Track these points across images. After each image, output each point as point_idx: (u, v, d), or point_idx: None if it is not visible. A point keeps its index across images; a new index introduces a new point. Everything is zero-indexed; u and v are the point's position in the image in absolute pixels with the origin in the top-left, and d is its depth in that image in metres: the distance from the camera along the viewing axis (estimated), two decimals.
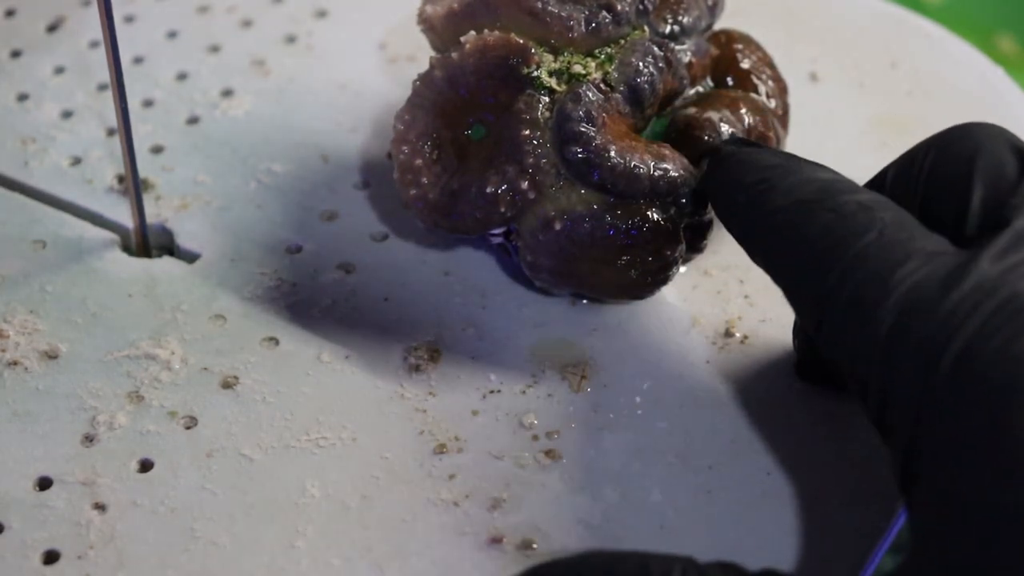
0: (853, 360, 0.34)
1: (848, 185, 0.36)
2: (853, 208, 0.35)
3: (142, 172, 0.48)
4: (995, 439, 0.30)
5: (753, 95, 0.45)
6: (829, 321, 0.34)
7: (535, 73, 0.41)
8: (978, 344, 0.31)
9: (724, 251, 0.46)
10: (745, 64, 0.45)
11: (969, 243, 0.34)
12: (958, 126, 0.37)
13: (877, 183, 0.38)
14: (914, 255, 0.33)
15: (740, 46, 0.46)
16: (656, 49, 0.42)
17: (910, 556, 0.31)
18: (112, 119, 0.46)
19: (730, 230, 0.39)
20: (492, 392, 0.42)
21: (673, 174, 0.40)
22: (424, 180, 0.42)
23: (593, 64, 0.41)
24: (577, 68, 0.41)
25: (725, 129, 0.42)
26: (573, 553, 0.35)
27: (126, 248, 0.47)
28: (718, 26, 0.46)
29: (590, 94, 0.41)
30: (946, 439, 0.31)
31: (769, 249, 0.37)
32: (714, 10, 0.45)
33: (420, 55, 0.54)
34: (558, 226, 0.41)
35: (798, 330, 0.42)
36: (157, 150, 0.51)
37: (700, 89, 0.45)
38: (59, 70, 0.54)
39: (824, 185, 0.36)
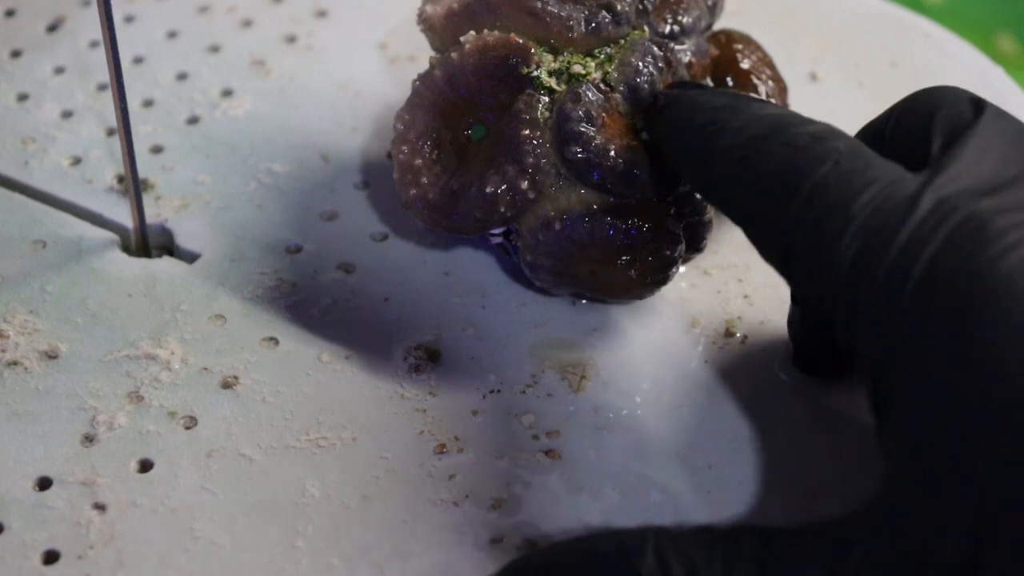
0: (820, 291, 0.34)
1: (798, 118, 0.36)
2: (806, 140, 0.35)
3: (142, 172, 0.48)
4: (960, 350, 0.30)
5: (753, 95, 0.45)
6: (793, 255, 0.34)
7: (535, 73, 0.41)
8: (940, 263, 0.31)
9: (724, 251, 0.46)
10: (745, 64, 0.45)
11: None
12: (922, 89, 0.38)
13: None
14: (873, 182, 0.34)
15: (740, 46, 0.46)
16: (656, 49, 0.42)
17: (882, 483, 0.32)
18: (112, 119, 0.46)
19: (684, 174, 0.39)
20: (492, 392, 0.42)
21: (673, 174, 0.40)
22: (424, 180, 0.42)
23: (593, 64, 0.41)
24: (577, 68, 0.41)
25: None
26: (547, 544, 0.35)
27: (126, 248, 0.47)
28: (718, 26, 0.46)
29: (590, 94, 0.41)
30: (914, 358, 0.31)
31: (726, 189, 0.37)
32: (714, 10, 0.45)
33: (420, 55, 0.54)
34: (558, 226, 0.41)
35: (793, 319, 0.42)
36: (157, 150, 0.51)
37: None
38: (59, 70, 0.54)
39: (774, 120, 0.36)
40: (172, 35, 0.56)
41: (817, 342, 0.41)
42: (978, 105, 0.36)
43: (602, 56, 0.42)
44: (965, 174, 0.33)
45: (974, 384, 0.30)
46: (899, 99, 0.38)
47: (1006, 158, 0.34)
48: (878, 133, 0.38)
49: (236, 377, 0.42)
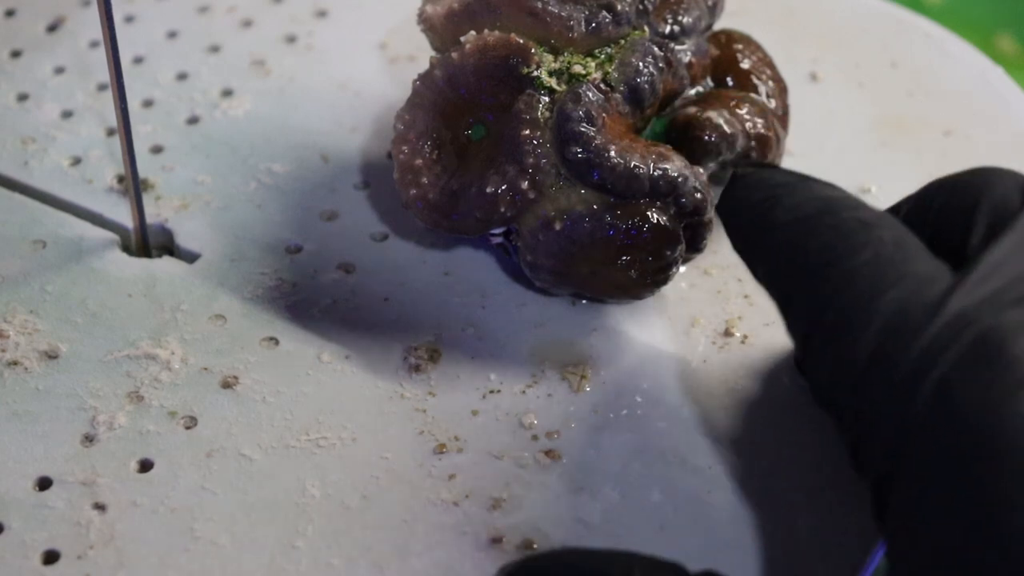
0: (832, 383, 0.33)
1: (853, 202, 0.36)
2: (853, 225, 0.34)
3: (142, 172, 0.48)
4: (967, 487, 0.29)
5: (753, 95, 0.45)
6: (812, 340, 0.34)
7: (535, 73, 0.41)
8: (953, 385, 0.30)
9: (724, 251, 0.46)
10: (745, 64, 0.45)
11: None
12: (973, 169, 0.37)
13: (892, 210, 0.38)
14: (906, 278, 0.33)
15: (740, 46, 0.46)
16: (656, 49, 0.42)
17: None
18: (112, 119, 0.46)
19: (736, 249, 0.38)
20: (492, 392, 0.42)
21: (673, 174, 0.40)
22: (424, 180, 0.42)
23: (593, 64, 0.41)
24: (577, 68, 0.41)
25: (727, 129, 0.42)
26: (546, 551, 0.35)
27: (126, 248, 0.47)
28: (718, 26, 0.46)
29: (590, 94, 0.41)
30: (918, 478, 0.30)
31: (768, 265, 0.36)
32: (714, 10, 0.45)
33: (420, 55, 0.54)
34: (558, 226, 0.41)
35: None
36: (157, 150, 0.51)
37: (700, 89, 0.45)
38: (59, 70, 0.54)
39: (828, 202, 0.36)
40: (172, 35, 0.56)
41: (803, 373, 0.41)
42: None
43: (602, 56, 0.42)
44: (996, 277, 0.32)
45: (973, 522, 0.29)
46: (950, 172, 0.37)
47: None
48: (922, 209, 0.37)
49: (236, 377, 0.42)
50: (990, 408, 0.29)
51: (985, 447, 0.29)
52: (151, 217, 0.47)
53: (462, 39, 0.42)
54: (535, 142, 0.41)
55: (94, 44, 0.55)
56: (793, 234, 0.35)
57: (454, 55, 0.42)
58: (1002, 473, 0.29)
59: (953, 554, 0.29)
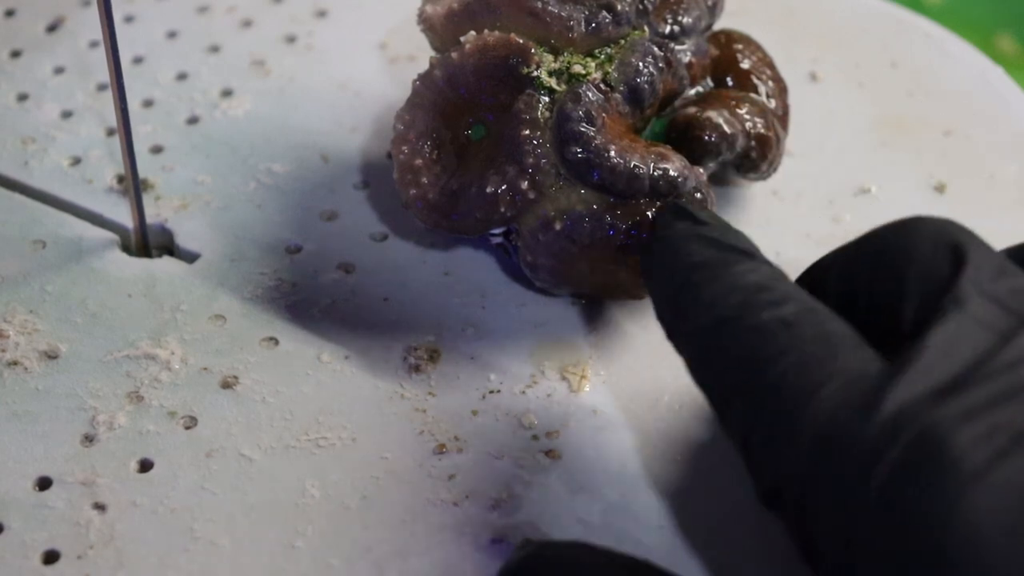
0: (774, 490, 0.32)
1: (773, 294, 0.34)
2: (774, 327, 0.33)
3: (142, 172, 0.48)
4: None
5: (753, 95, 0.45)
6: (749, 449, 0.32)
7: (535, 73, 0.41)
8: (896, 490, 0.29)
9: None
10: (745, 64, 0.45)
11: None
12: (895, 225, 0.35)
13: (819, 275, 0.36)
14: (833, 377, 0.31)
15: (740, 46, 0.46)
16: (656, 49, 0.42)
17: None
18: (112, 119, 0.46)
19: (668, 339, 0.37)
20: (492, 392, 0.42)
21: (673, 174, 0.40)
22: (424, 180, 0.42)
23: (593, 64, 0.41)
24: (577, 68, 0.41)
25: (727, 129, 0.42)
26: (548, 543, 0.34)
27: (126, 248, 0.47)
28: (718, 26, 0.46)
29: (590, 94, 0.41)
30: None
31: (695, 370, 0.35)
32: (714, 10, 0.45)
33: (420, 55, 0.54)
34: (558, 226, 0.41)
35: None
36: (157, 150, 0.51)
37: (700, 89, 0.45)
38: (59, 70, 0.54)
39: (746, 297, 0.34)
40: (172, 35, 0.56)
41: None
42: (957, 256, 0.33)
43: (602, 56, 0.42)
44: (932, 366, 0.30)
45: None
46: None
47: (986, 332, 0.31)
48: (848, 276, 0.35)
49: (236, 377, 0.42)
50: (936, 512, 0.28)
51: (934, 554, 0.28)
52: (151, 217, 0.47)
53: (462, 39, 0.42)
54: (535, 142, 0.41)
55: (94, 44, 0.55)
56: (713, 338, 0.34)
57: (454, 55, 0.42)
58: None
59: None
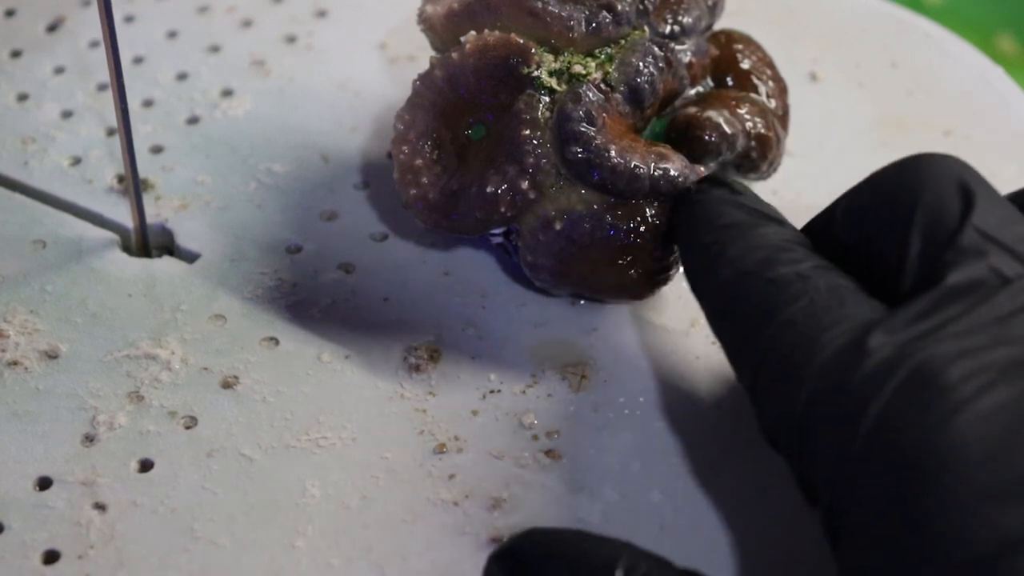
0: (777, 425, 0.34)
1: (795, 254, 0.36)
2: (790, 278, 0.35)
3: (142, 172, 0.48)
4: (908, 514, 0.30)
5: (753, 95, 0.45)
6: (757, 387, 0.34)
7: (535, 73, 0.41)
8: (891, 416, 0.31)
9: None
10: (745, 64, 0.45)
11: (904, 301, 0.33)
12: (906, 161, 0.36)
13: (826, 217, 0.38)
14: (841, 321, 0.33)
15: (740, 46, 0.46)
16: (656, 49, 0.42)
17: None
18: (112, 119, 0.46)
19: (692, 291, 0.39)
20: (492, 392, 0.42)
21: (673, 174, 0.40)
22: (424, 180, 0.42)
23: (593, 64, 0.41)
24: (577, 68, 0.41)
25: (727, 129, 0.42)
26: (534, 531, 0.35)
27: (126, 248, 0.47)
28: (718, 26, 0.46)
29: (590, 94, 0.41)
30: (866, 517, 0.31)
31: (715, 320, 0.37)
32: (714, 10, 0.45)
33: (420, 55, 0.54)
34: (558, 226, 0.41)
35: None
36: (157, 150, 0.51)
37: (700, 89, 0.45)
38: (59, 70, 0.54)
39: (769, 253, 0.36)
40: (172, 35, 0.56)
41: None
42: (965, 198, 0.34)
43: (602, 56, 0.42)
44: (925, 316, 0.32)
45: (917, 552, 0.30)
46: (880, 167, 0.37)
47: (988, 274, 0.33)
48: (855, 217, 0.37)
49: (236, 377, 0.42)
50: (927, 435, 0.30)
51: (923, 473, 0.30)
52: (151, 217, 0.47)
53: (462, 39, 0.42)
54: (535, 142, 0.41)
55: (94, 44, 0.55)
56: (734, 291, 0.36)
57: (454, 55, 0.42)
58: (938, 497, 0.29)
59: (894, 567, 0.30)
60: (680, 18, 0.43)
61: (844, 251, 0.37)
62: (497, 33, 0.42)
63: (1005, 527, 0.29)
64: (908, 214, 0.35)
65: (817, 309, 0.34)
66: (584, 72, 0.41)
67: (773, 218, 0.38)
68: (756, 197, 0.39)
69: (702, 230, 0.38)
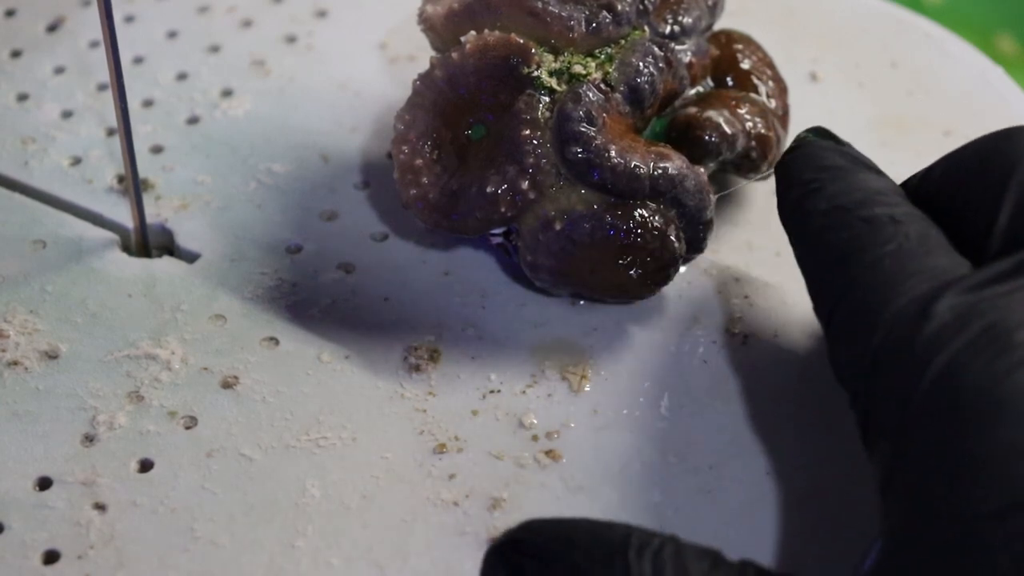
0: (849, 362, 0.35)
1: (891, 198, 0.37)
2: (884, 220, 0.36)
3: (142, 172, 0.48)
4: (963, 459, 0.31)
5: (753, 95, 0.45)
6: (834, 323, 0.35)
7: (535, 73, 0.41)
8: (955, 369, 0.32)
9: (724, 251, 0.46)
10: (745, 64, 0.45)
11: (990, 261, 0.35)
12: (1005, 130, 0.38)
13: (924, 175, 0.39)
14: (925, 270, 0.34)
15: (740, 46, 0.46)
16: (656, 49, 0.42)
17: (880, 559, 0.32)
18: (112, 119, 0.46)
19: (781, 220, 0.40)
20: (492, 392, 0.42)
21: (673, 174, 0.40)
22: (424, 180, 0.42)
23: (593, 64, 0.41)
24: (577, 68, 0.41)
25: (727, 129, 0.42)
26: (536, 521, 0.35)
27: (126, 248, 0.47)
28: (718, 26, 0.46)
29: (590, 94, 0.41)
30: (921, 455, 0.32)
31: (803, 247, 0.38)
32: (714, 10, 0.45)
33: (420, 55, 0.54)
34: (558, 226, 0.41)
35: None
36: (157, 150, 0.51)
37: (700, 89, 0.45)
38: (59, 70, 0.54)
39: (867, 195, 0.37)
40: (172, 35, 0.56)
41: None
42: None
43: (602, 56, 0.42)
44: (1008, 277, 0.33)
45: (966, 493, 0.31)
46: (979, 136, 0.38)
47: None
48: (952, 178, 0.38)
49: (236, 377, 0.42)
50: (990, 383, 0.31)
51: (980, 419, 0.31)
52: (151, 217, 0.47)
53: (462, 39, 0.42)
54: (535, 142, 0.41)
55: (94, 44, 0.55)
56: (828, 223, 0.37)
57: (454, 55, 0.42)
58: (992, 442, 0.30)
59: (949, 527, 0.31)
60: (680, 18, 0.43)
61: (938, 211, 0.37)
62: (497, 33, 0.42)
63: None
64: (1003, 181, 0.36)
65: (904, 254, 0.35)
66: (584, 72, 0.41)
67: (873, 168, 0.39)
68: (860, 153, 0.40)
69: (805, 168, 0.39)
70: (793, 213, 0.39)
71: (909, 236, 0.35)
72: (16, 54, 0.55)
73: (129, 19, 0.57)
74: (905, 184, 0.39)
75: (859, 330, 0.34)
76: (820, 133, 0.41)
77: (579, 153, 0.40)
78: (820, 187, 0.38)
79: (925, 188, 0.39)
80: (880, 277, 0.35)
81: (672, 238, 0.41)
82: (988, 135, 0.38)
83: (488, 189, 0.41)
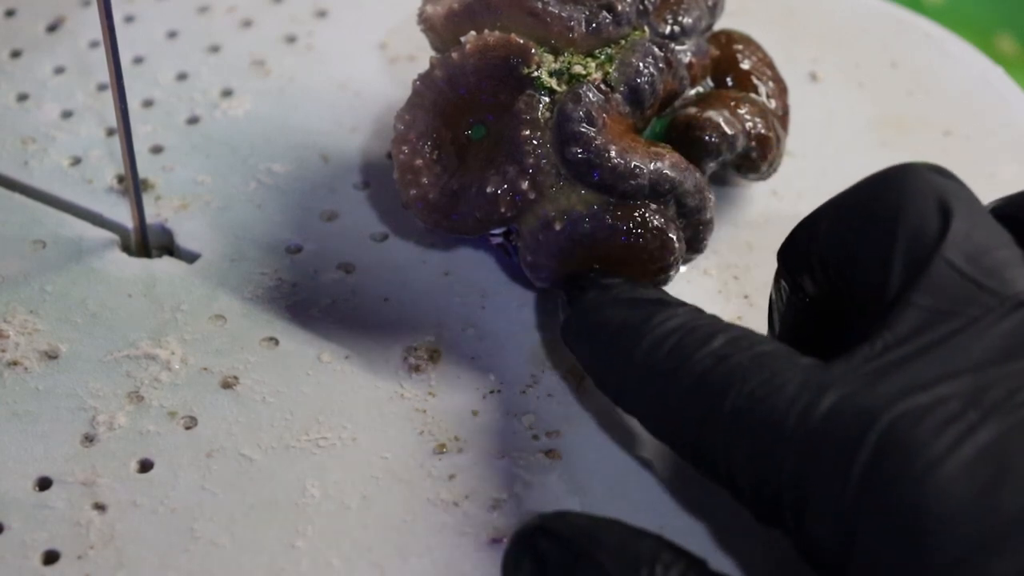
0: (769, 512, 0.33)
1: (700, 332, 0.35)
2: (710, 364, 0.34)
3: (142, 172, 0.48)
4: (909, 569, 0.30)
5: (753, 96, 0.45)
6: (738, 484, 0.34)
7: (535, 73, 0.41)
8: (871, 480, 0.31)
9: (724, 251, 0.46)
10: (745, 65, 0.45)
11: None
12: (886, 176, 0.36)
13: (810, 227, 0.38)
14: (781, 399, 0.32)
15: (740, 47, 0.46)
16: (656, 49, 0.42)
17: None
18: (112, 119, 0.46)
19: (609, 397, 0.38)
20: (492, 392, 0.42)
21: (673, 174, 0.40)
22: (424, 180, 0.42)
23: (593, 64, 0.41)
24: (577, 68, 0.41)
25: (727, 129, 0.42)
26: (599, 516, 0.34)
27: (126, 248, 0.47)
28: (718, 26, 0.46)
29: (590, 94, 0.41)
30: (864, 571, 0.31)
31: (652, 427, 0.36)
32: (714, 10, 0.45)
33: (420, 55, 0.54)
34: (558, 226, 0.41)
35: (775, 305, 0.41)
36: (157, 150, 0.51)
37: (700, 89, 0.45)
38: (59, 70, 0.54)
39: (675, 344, 0.35)
40: (172, 35, 0.56)
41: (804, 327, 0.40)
42: (944, 212, 0.34)
43: (603, 56, 0.42)
44: (896, 351, 0.32)
45: None
46: (865, 177, 0.37)
47: (959, 303, 0.33)
48: (838, 233, 0.36)
49: (236, 377, 0.42)
50: (910, 494, 0.30)
51: (913, 530, 0.30)
52: (151, 217, 0.47)
53: (462, 39, 0.42)
54: (535, 142, 0.41)
55: (94, 44, 0.55)
56: (658, 393, 0.35)
57: (454, 55, 0.42)
58: (929, 551, 0.30)
59: None
60: (680, 18, 0.43)
61: (828, 267, 0.36)
62: (497, 33, 0.42)
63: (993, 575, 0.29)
64: (889, 236, 0.35)
65: (753, 388, 0.33)
66: (584, 72, 0.41)
67: (656, 301, 0.37)
68: (627, 282, 0.39)
69: (595, 341, 0.38)
70: (621, 398, 0.37)
71: (744, 368, 0.33)
72: (16, 54, 0.55)
73: (129, 19, 0.57)
74: (792, 238, 0.38)
75: (764, 478, 0.32)
76: (582, 286, 0.39)
77: (579, 153, 0.40)
78: (627, 357, 0.36)
79: (812, 246, 0.37)
80: (750, 421, 0.33)
81: (672, 238, 0.41)
82: (866, 179, 0.36)
83: (488, 189, 0.41)
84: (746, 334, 0.35)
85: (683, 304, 0.37)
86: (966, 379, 0.31)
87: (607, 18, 0.42)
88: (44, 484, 0.40)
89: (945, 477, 0.30)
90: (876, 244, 0.35)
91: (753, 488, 0.33)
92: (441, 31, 0.44)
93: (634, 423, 0.41)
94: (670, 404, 0.35)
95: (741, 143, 0.43)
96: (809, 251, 0.37)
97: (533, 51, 0.41)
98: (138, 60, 0.55)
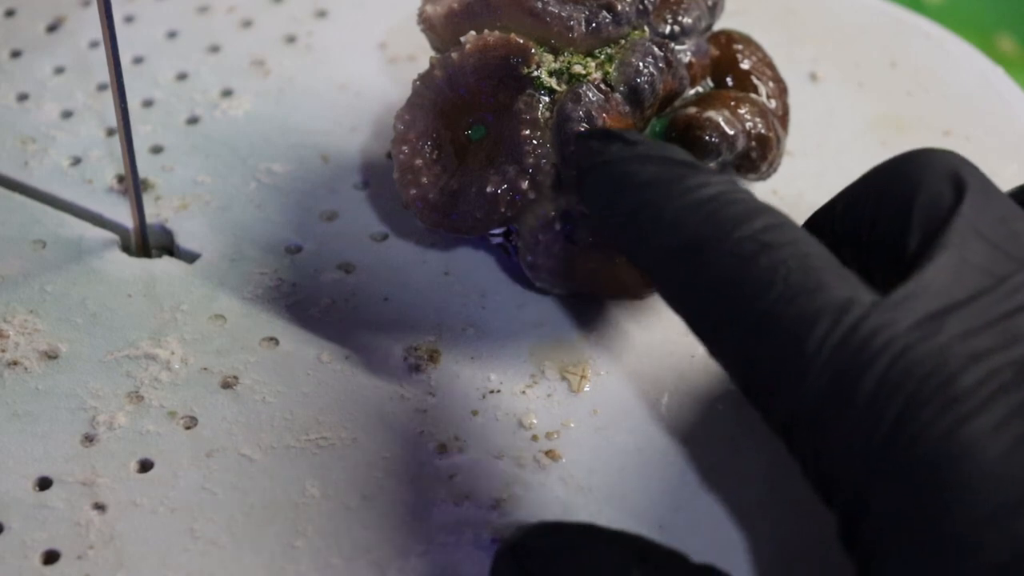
0: (785, 426, 0.32)
1: (738, 208, 0.33)
2: (753, 249, 0.32)
3: (142, 172, 0.48)
4: (925, 522, 0.29)
5: (753, 96, 0.45)
6: (751, 392, 0.33)
7: (535, 73, 0.41)
8: (904, 423, 0.30)
9: None
10: (745, 65, 0.45)
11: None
12: (906, 156, 0.36)
13: (828, 212, 0.37)
14: (824, 312, 0.31)
15: (740, 47, 0.46)
16: (656, 49, 0.42)
17: None
18: (112, 119, 0.46)
19: (621, 250, 0.36)
20: (492, 392, 0.42)
21: None
22: (424, 180, 0.42)
23: (593, 64, 0.41)
24: (577, 68, 0.41)
25: (727, 129, 0.42)
26: (575, 522, 0.34)
27: (126, 248, 0.47)
28: (718, 26, 0.46)
29: (590, 94, 0.41)
30: (882, 515, 0.30)
31: (669, 295, 0.34)
32: (714, 10, 0.45)
33: (420, 55, 0.54)
34: (558, 226, 0.41)
35: None
36: (157, 150, 0.51)
37: (700, 89, 0.45)
38: (59, 70, 0.54)
39: (713, 212, 0.33)
40: (172, 35, 0.56)
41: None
42: (958, 185, 0.34)
43: (602, 56, 0.42)
44: (936, 296, 0.31)
45: (935, 555, 0.29)
46: (878, 163, 0.36)
47: (987, 262, 0.32)
48: (855, 214, 0.36)
49: (236, 377, 0.42)
50: (941, 443, 0.29)
51: (940, 480, 0.29)
52: (151, 217, 0.47)
53: (462, 39, 0.42)
54: (535, 142, 0.41)
55: (94, 44, 0.55)
56: (687, 262, 0.33)
57: (454, 55, 0.42)
58: (954, 504, 0.29)
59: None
60: (680, 18, 0.43)
61: (845, 245, 0.36)
62: (497, 33, 0.42)
63: (1018, 536, 0.29)
64: (907, 204, 0.34)
65: (794, 295, 0.31)
66: (584, 72, 0.41)
67: (686, 163, 0.35)
68: (655, 141, 0.36)
69: (619, 194, 0.35)
70: (639, 254, 0.34)
71: (790, 267, 0.32)
72: (16, 54, 0.55)
73: (129, 19, 0.57)
74: (810, 223, 0.37)
75: (787, 394, 0.31)
76: (605, 137, 0.37)
77: None
78: (655, 213, 0.33)
79: (829, 224, 0.37)
80: (784, 331, 0.31)
81: None
82: (886, 161, 0.36)
83: (488, 189, 0.41)
84: (787, 222, 0.33)
85: (713, 171, 0.35)
86: (1001, 336, 0.31)
87: (607, 18, 0.42)
88: (44, 484, 0.40)
89: (977, 432, 0.29)
90: (894, 212, 0.35)
91: (774, 401, 0.32)
92: (441, 31, 0.44)
93: (634, 423, 0.41)
94: (699, 275, 0.33)
95: (741, 143, 0.43)
96: (826, 229, 0.37)
97: (533, 51, 0.41)
98: (138, 60, 0.55)
